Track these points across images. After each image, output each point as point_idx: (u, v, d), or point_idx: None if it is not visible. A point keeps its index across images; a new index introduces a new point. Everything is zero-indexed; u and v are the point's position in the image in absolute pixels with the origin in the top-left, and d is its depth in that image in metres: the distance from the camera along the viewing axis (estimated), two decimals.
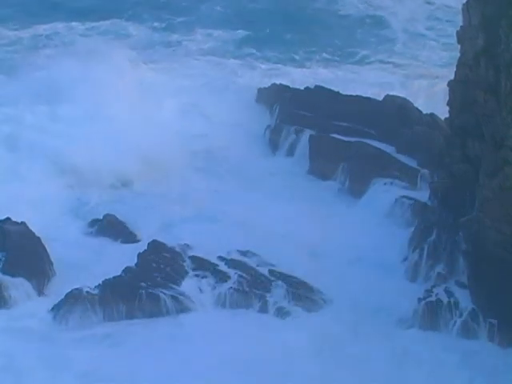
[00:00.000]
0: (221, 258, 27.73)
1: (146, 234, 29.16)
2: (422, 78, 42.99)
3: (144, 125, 34.20)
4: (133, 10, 51.21)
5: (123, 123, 34.01)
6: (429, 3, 53.10)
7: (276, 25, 49.40)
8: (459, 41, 27.65)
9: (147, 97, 36.79)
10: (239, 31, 48.58)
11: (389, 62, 45.43)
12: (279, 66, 44.65)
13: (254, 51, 46.42)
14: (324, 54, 46.11)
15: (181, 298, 26.22)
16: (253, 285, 26.62)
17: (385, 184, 31.65)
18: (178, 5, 52.39)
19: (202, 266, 27.34)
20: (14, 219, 28.11)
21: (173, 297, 26.17)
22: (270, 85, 39.21)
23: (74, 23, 48.91)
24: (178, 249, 27.91)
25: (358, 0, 53.11)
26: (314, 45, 46.99)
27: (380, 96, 36.54)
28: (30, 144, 33.42)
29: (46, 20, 48.74)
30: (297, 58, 45.69)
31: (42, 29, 47.90)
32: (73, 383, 22.67)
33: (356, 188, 32.36)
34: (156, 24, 49.64)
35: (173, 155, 33.53)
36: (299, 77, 42.31)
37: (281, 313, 25.74)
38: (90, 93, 35.54)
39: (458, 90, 26.87)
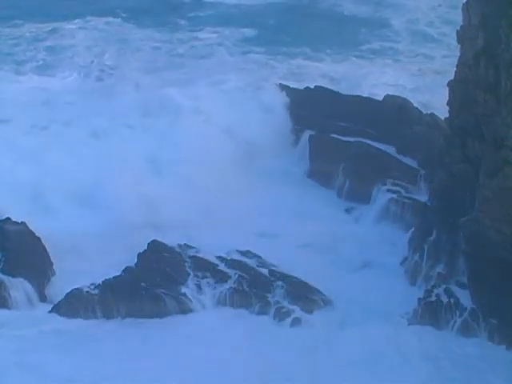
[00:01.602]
0: (221, 258, 27.73)
1: (147, 233, 29.09)
2: (425, 75, 43.29)
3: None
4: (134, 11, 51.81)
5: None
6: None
7: (281, 25, 49.89)
8: (459, 41, 27.62)
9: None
10: (245, 31, 49.06)
11: (396, 60, 45.83)
12: (285, 64, 44.88)
13: (257, 49, 46.72)
14: (330, 52, 46.50)
15: (181, 298, 26.23)
16: (253, 285, 26.62)
17: (385, 184, 31.59)
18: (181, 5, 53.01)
19: (202, 266, 27.35)
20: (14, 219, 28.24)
21: (173, 297, 26.18)
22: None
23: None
24: (177, 249, 27.93)
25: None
26: (319, 43, 47.37)
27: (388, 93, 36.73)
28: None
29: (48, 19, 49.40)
30: (304, 56, 45.87)
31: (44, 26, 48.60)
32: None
33: (356, 188, 32.36)
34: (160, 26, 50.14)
35: None
36: (307, 74, 42.65)
37: (281, 313, 25.73)
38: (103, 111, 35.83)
39: (458, 89, 26.84)
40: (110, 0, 53.60)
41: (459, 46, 27.63)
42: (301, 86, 38.26)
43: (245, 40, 48.10)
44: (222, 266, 27.39)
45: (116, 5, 52.91)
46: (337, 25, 50.05)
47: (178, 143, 33.93)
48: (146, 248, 27.52)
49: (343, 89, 38.18)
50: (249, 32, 48.95)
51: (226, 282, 26.76)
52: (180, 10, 52.78)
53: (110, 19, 50.26)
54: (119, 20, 50.46)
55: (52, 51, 45.48)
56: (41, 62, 43.89)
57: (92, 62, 43.95)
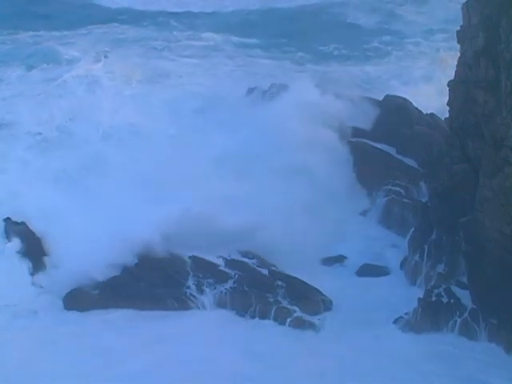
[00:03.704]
0: (221, 258, 27.70)
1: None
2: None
3: None
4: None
5: None
6: None
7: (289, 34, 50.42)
8: (459, 41, 27.59)
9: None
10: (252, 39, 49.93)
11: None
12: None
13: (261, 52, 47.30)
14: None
15: (181, 297, 26.24)
16: (253, 285, 26.63)
17: (385, 184, 31.58)
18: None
19: (203, 266, 27.34)
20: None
21: (173, 297, 26.19)
22: (270, 85, 39.18)
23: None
24: (178, 249, 27.88)
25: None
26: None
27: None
28: None
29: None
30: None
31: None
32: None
33: (356, 188, 32.36)
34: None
35: None
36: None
37: (281, 313, 25.73)
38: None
39: (458, 89, 26.83)
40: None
41: (459, 46, 27.62)
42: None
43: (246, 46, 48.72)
44: (222, 266, 27.40)
45: (114, 10, 54.64)
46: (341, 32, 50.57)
47: None
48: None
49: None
50: (248, 38, 49.59)
51: (227, 282, 26.77)
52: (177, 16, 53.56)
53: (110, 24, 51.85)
54: (117, 24, 51.95)
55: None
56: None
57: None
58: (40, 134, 36.12)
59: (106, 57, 44.96)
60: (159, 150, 33.69)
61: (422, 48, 48.28)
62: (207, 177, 30.70)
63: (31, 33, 49.64)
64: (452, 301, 25.06)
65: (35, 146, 35.05)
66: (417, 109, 34.98)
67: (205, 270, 27.17)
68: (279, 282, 26.72)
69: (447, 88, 27.44)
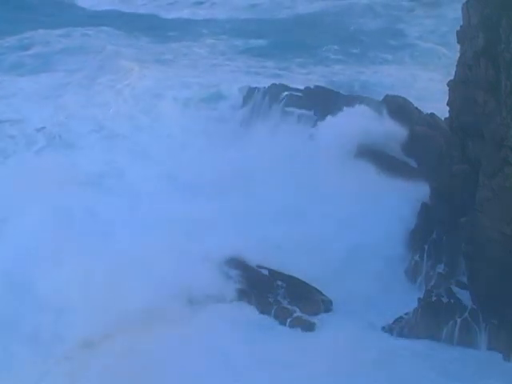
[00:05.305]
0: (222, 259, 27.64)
1: None
2: None
3: None
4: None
5: None
6: None
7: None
8: (459, 41, 27.65)
9: None
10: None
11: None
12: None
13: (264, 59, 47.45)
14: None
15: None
16: (253, 285, 26.62)
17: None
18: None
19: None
20: None
21: None
22: (269, 85, 39.21)
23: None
24: None
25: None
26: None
27: None
28: None
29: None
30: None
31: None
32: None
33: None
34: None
35: None
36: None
37: (281, 313, 25.73)
38: None
39: (458, 89, 26.87)
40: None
41: (459, 46, 27.64)
42: None
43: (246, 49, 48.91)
44: (223, 266, 27.34)
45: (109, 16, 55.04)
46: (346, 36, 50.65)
47: None
48: None
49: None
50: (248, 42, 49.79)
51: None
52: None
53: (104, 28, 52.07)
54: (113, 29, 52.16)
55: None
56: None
57: None
58: (43, 131, 36.34)
59: (103, 55, 45.17)
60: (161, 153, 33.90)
61: (424, 50, 48.28)
62: None
63: (19, 35, 49.75)
64: (452, 301, 25.07)
65: (35, 146, 35.20)
66: (417, 109, 34.91)
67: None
68: (279, 282, 26.74)
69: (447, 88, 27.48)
